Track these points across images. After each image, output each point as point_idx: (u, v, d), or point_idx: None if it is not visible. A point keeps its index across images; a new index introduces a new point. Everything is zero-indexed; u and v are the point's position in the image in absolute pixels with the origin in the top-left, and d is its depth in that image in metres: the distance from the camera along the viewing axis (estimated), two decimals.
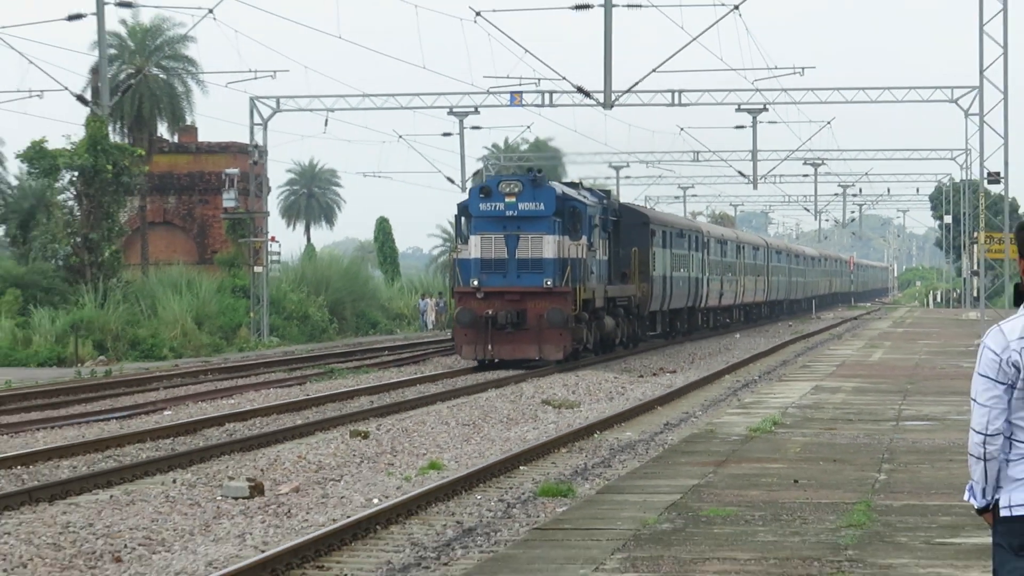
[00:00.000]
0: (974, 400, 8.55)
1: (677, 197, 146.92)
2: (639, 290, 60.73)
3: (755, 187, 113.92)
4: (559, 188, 52.52)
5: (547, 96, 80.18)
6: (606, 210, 58.22)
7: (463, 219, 52.92)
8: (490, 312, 48.34)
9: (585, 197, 55.24)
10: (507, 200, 49.88)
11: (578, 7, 61.57)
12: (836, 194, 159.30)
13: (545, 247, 49.55)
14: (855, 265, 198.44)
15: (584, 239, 52.25)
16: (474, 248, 50.62)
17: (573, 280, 49.59)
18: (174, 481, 26.65)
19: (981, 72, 68.54)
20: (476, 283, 49.22)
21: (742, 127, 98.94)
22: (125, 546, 20.57)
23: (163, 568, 19.29)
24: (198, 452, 30.31)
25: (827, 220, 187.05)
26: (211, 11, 64.35)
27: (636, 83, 64.89)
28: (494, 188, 50.39)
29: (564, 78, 68.44)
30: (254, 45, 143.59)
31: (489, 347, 48.87)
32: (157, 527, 22.06)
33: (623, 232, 60.75)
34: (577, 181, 61.99)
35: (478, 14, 63.47)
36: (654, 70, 64.50)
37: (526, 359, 49.40)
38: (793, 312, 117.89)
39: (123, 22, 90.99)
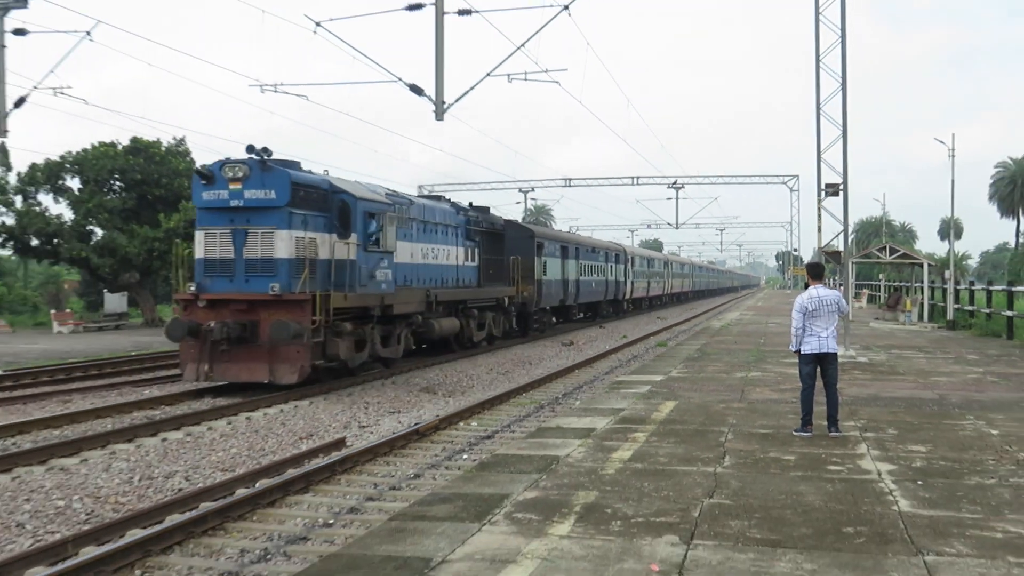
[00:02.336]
0: (792, 318, 8.73)
1: (696, 255, 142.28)
2: (522, 291, 25.23)
3: (721, 252, 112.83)
4: (302, 175, 13.79)
5: (656, 226, 78.62)
6: (469, 221, 21.31)
7: None
8: (212, 325, 12.92)
9: (382, 196, 15.75)
10: (232, 187, 13.07)
11: (670, 226, 59.01)
12: (747, 253, 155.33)
13: (277, 244, 13.03)
14: (751, 276, 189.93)
15: (355, 237, 14.34)
16: (199, 246, 13.48)
17: (327, 284, 13.71)
18: (544, 342, 26.76)
19: (790, 214, 66.18)
20: (193, 288, 13.32)
21: (718, 235, 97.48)
22: (530, 360, 20.82)
23: (542, 369, 19.17)
24: (552, 332, 29.45)
25: (745, 262, 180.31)
26: (558, 201, 63.84)
27: (686, 221, 63.09)
28: (217, 173, 13.24)
29: (668, 222, 66.48)
30: (566, 209, 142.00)
31: (206, 367, 12.99)
32: (539, 354, 22.18)
33: (508, 244, 24.80)
34: (466, 204, 23.22)
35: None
36: (691, 217, 62.72)
37: (255, 383, 13.21)
38: (711, 296, 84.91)
39: (530, 206, 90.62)
